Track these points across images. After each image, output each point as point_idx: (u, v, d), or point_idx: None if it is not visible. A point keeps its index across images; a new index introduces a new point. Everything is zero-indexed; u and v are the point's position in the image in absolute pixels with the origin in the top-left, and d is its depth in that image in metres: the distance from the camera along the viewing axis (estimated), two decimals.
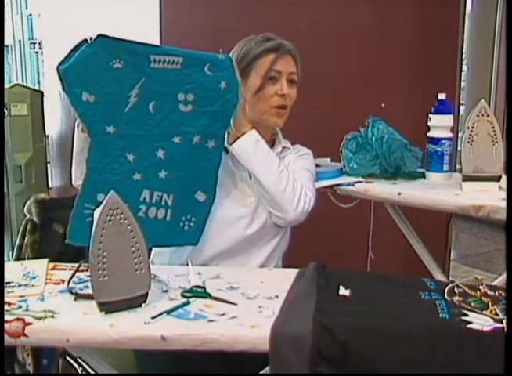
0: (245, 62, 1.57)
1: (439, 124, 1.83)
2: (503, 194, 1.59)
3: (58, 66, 1.32)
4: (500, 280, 1.85)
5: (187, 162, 1.46)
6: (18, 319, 1.08)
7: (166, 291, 1.22)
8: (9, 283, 1.25)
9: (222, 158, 1.51)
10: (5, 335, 1.06)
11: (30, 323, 1.07)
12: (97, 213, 1.11)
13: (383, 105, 2.56)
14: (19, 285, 1.25)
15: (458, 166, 1.82)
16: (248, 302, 1.18)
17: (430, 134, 1.85)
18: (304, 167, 1.65)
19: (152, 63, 1.37)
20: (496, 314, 1.09)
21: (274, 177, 1.51)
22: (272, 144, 1.65)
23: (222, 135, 1.48)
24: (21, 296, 1.19)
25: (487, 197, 1.61)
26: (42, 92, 4.22)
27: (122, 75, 1.36)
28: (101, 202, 1.13)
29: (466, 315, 1.08)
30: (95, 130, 1.38)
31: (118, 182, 1.39)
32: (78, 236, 1.38)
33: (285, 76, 1.58)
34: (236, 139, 1.51)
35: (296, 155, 1.67)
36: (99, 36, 1.33)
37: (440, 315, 1.09)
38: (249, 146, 1.52)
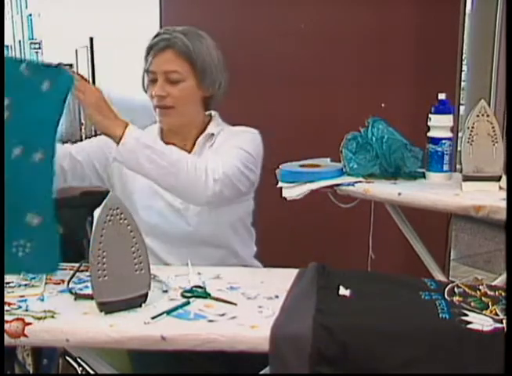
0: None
1: (439, 124, 1.83)
2: (503, 194, 1.58)
3: None
4: (500, 280, 1.85)
5: (10, 179, 1.23)
6: (18, 319, 1.08)
7: (166, 291, 1.22)
8: (8, 283, 1.25)
9: None
10: (5, 335, 1.06)
11: (30, 323, 1.07)
12: (97, 213, 1.11)
13: (383, 105, 2.56)
14: (19, 285, 1.25)
15: (458, 166, 1.82)
16: (248, 302, 1.18)
17: (430, 134, 1.84)
18: (235, 144, 1.54)
19: None
20: (496, 314, 1.09)
21: (170, 170, 1.37)
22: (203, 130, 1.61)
23: (51, 145, 1.25)
24: (21, 296, 1.19)
25: (487, 197, 1.61)
26: None
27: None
28: None
29: (466, 315, 1.08)
30: None
31: None
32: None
33: (162, 76, 1.51)
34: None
35: (228, 134, 1.59)
36: None
37: (440, 315, 1.08)
38: (131, 151, 1.33)
